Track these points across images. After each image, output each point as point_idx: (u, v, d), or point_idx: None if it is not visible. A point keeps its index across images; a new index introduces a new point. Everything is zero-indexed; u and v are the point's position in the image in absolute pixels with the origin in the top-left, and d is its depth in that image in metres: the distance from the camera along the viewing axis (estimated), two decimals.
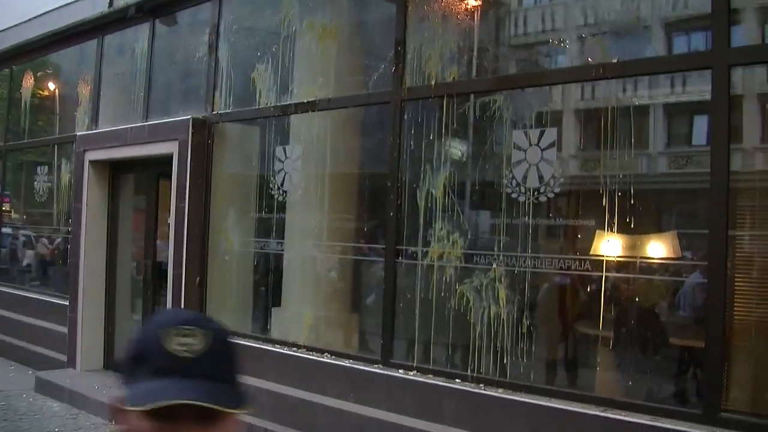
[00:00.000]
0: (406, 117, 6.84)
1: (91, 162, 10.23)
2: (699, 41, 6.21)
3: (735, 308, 5.20)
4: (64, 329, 10.47)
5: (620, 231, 5.82)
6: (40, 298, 11.52)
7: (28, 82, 12.79)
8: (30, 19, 12.07)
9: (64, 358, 10.40)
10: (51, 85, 12.96)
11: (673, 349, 6.51)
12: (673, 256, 6.25)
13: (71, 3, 11.21)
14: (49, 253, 12.86)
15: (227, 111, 8.59)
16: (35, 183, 12.33)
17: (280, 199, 8.00)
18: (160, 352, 1.45)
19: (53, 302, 11.10)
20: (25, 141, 12.99)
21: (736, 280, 5.17)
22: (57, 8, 11.48)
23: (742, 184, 5.33)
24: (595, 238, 6.03)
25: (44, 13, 11.77)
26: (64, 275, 11.50)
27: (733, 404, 5.06)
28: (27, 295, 11.86)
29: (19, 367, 11.19)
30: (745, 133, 5.75)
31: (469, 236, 6.52)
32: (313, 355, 7.26)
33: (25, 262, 13.57)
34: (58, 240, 12.33)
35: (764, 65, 5.40)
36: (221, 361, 1.51)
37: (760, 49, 5.25)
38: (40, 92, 12.97)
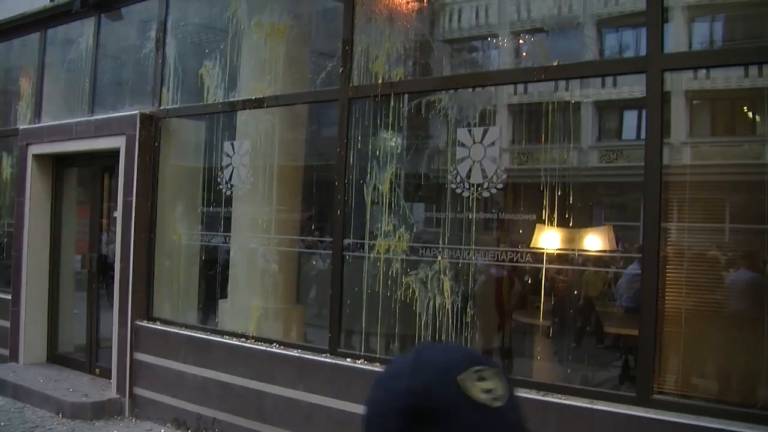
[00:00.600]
0: (353, 114, 7.01)
1: (35, 156, 10.23)
2: (630, 39, 6.54)
3: (666, 297, 5.48)
4: (5, 323, 10.46)
5: (558, 224, 6.11)
6: None
7: None
8: None
9: (5, 352, 10.39)
10: None
11: (609, 337, 6.83)
12: (608, 248, 6.57)
13: None
14: None
15: (174, 106, 8.68)
16: None
17: (228, 193, 8.11)
18: (467, 404, 1.18)
19: None
20: None
21: (667, 270, 5.44)
22: None
23: (671, 177, 5.59)
24: (535, 232, 6.32)
25: None
26: (2, 269, 11.49)
27: (665, 387, 5.33)
28: None
29: None
30: (672, 129, 6.06)
31: (414, 230, 6.74)
32: (261, 345, 7.40)
33: None
34: None
35: (694, 70, 5.68)
36: (518, 403, 1.28)
37: (692, 56, 5.56)
38: None
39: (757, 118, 6.99)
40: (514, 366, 6.89)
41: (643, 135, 8.42)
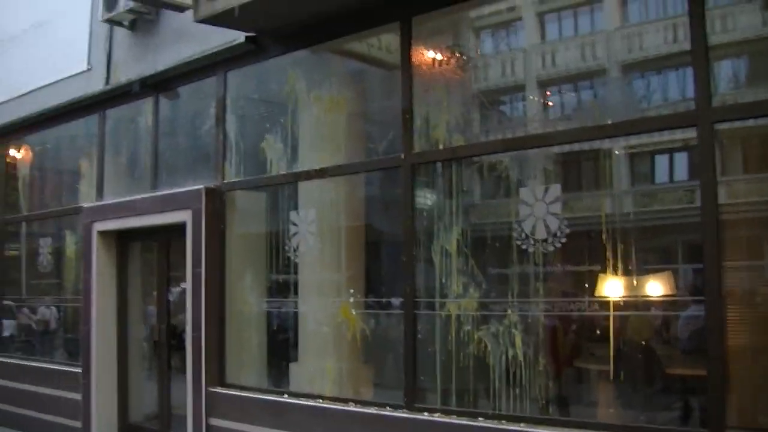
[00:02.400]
0: (416, 179, 7.36)
1: (99, 232, 10.63)
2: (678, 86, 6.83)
3: (730, 335, 5.68)
4: (75, 396, 10.78)
5: (621, 273, 6.38)
6: (49, 366, 11.78)
7: (27, 156, 13.14)
8: (22, 95, 12.50)
9: (76, 425, 10.69)
10: (51, 159, 13.30)
11: (676, 379, 7.03)
12: (669, 292, 6.83)
13: (67, 78, 11.67)
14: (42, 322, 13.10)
15: (238, 179, 9.07)
16: (39, 254, 12.62)
17: (295, 260, 8.44)
18: None
19: (60, 370, 11.40)
20: (24, 214, 13.30)
21: (729, 309, 5.66)
22: (52, 83, 11.97)
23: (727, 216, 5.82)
24: (599, 281, 6.60)
25: (37, 89, 12.21)
26: (67, 343, 11.85)
27: (737, 423, 5.54)
28: (34, 364, 12.09)
29: None
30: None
31: (483, 286, 7.03)
32: (337, 404, 7.66)
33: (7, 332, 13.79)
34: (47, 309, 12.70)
35: (744, 120, 5.94)
36: None
37: (740, 108, 5.85)
38: (40, 166, 13.30)
39: None
40: (585, 411, 7.11)
41: (676, 177, 8.67)
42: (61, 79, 11.81)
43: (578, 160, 7.80)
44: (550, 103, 7.73)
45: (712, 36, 5.71)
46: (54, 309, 12.92)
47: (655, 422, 6.18)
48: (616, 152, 7.01)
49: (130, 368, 10.81)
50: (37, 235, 13.04)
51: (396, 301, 7.66)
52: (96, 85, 11.10)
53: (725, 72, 6.35)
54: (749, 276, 6.01)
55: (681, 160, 9.04)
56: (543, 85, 7.99)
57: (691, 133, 5.82)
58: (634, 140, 7.13)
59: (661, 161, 9.42)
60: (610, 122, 6.32)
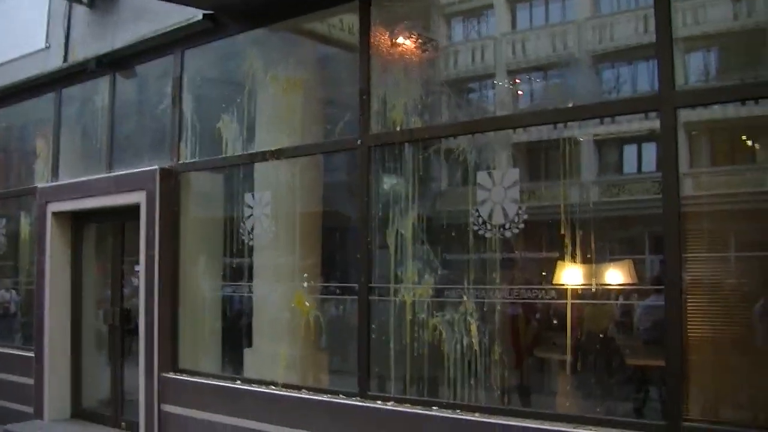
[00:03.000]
0: (373, 161, 7.20)
1: (54, 213, 10.41)
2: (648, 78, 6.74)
3: (689, 327, 5.58)
4: (28, 381, 10.56)
5: (580, 261, 6.25)
6: (3, 351, 11.54)
7: None
8: None
9: (28, 410, 10.49)
10: (7, 138, 13.03)
11: (634, 369, 6.94)
12: (629, 281, 6.72)
13: (24, 56, 11.42)
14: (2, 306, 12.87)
15: (193, 160, 8.88)
16: None
17: (250, 243, 8.26)
18: None
19: (14, 354, 11.18)
20: None
21: (689, 300, 5.56)
22: (8, 62, 11.72)
23: (689, 208, 5.71)
24: (557, 269, 6.48)
25: None
26: (24, 327, 11.63)
27: (693, 414, 5.43)
28: None
29: None
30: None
31: (438, 272, 6.89)
32: (290, 392, 7.51)
33: None
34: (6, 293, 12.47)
35: (708, 106, 5.84)
36: None
37: (704, 92, 5.74)
38: None
39: (757, 146, 7.16)
40: (542, 400, 6.99)
41: (643, 168, 8.62)
42: (19, 57, 11.57)
43: (542, 149, 7.68)
44: (510, 90, 7.59)
45: (680, 28, 5.63)
46: (13, 292, 12.67)
47: (615, 413, 6.06)
48: (581, 139, 6.86)
49: (83, 353, 10.58)
50: None
51: (352, 287, 7.50)
52: (54, 63, 10.85)
53: (693, 64, 6.25)
54: (711, 268, 5.89)
55: (648, 151, 8.98)
56: (509, 73, 7.88)
57: (655, 122, 5.69)
58: (600, 129, 7.00)
59: (629, 151, 9.36)
60: (570, 105, 6.18)
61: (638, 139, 8.73)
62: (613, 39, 7.08)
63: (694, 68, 6.35)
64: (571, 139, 6.65)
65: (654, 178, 8.39)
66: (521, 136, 7.09)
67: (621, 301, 6.99)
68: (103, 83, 10.23)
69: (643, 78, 6.72)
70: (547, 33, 7.78)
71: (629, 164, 10.29)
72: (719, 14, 6.14)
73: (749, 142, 7.17)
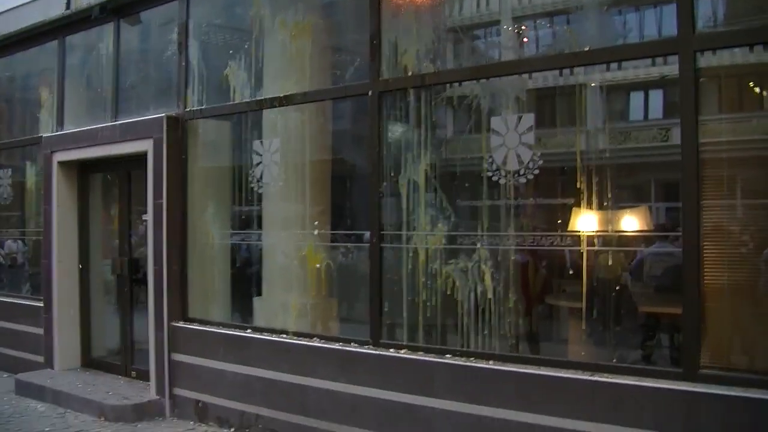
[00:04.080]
0: (384, 108, 7.09)
1: (60, 163, 10.32)
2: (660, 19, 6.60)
3: (706, 274, 5.53)
4: (37, 330, 10.57)
5: (595, 207, 6.18)
6: (12, 301, 11.54)
7: None
8: None
9: (39, 359, 10.50)
10: (10, 88, 12.91)
11: (647, 316, 6.91)
12: (645, 228, 6.65)
13: (24, 4, 11.24)
14: (10, 256, 12.85)
15: (200, 108, 8.76)
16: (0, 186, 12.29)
17: (259, 191, 8.20)
18: None
19: (23, 304, 11.17)
20: None
21: (705, 247, 5.49)
22: (10, 9, 11.52)
23: (707, 155, 5.63)
24: (572, 215, 6.40)
25: None
26: (33, 277, 11.61)
27: (710, 362, 5.40)
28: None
29: None
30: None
31: (452, 220, 6.82)
32: (301, 340, 7.49)
33: None
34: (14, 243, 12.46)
35: (727, 49, 5.71)
36: None
37: (724, 35, 5.62)
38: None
39: (765, 93, 7.06)
40: (556, 348, 6.98)
41: (650, 116, 8.51)
42: (21, 5, 11.35)
43: (553, 95, 7.56)
44: (524, 36, 7.44)
45: None
46: (20, 242, 12.64)
47: (627, 361, 6.03)
48: (592, 85, 6.73)
49: (92, 303, 10.58)
50: None
51: (363, 234, 7.44)
52: (56, 10, 10.65)
53: (705, 10, 6.09)
54: (725, 215, 5.82)
55: (657, 97, 8.88)
56: (518, 18, 7.71)
57: (671, 69, 5.59)
58: (611, 75, 6.87)
59: (636, 98, 9.26)
60: (587, 49, 6.05)
61: (651, 85, 8.59)
62: None
63: (708, 12, 6.20)
64: (586, 85, 6.56)
65: (662, 126, 8.31)
66: (537, 81, 6.97)
67: (637, 248, 6.91)
68: (107, 30, 10.08)
69: (657, 25, 6.63)
70: None
71: (648, 111, 10.18)
72: None
73: (757, 89, 7.08)
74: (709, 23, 5.89)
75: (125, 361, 9.89)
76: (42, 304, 10.55)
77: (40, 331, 10.55)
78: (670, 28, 5.61)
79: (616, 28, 7.13)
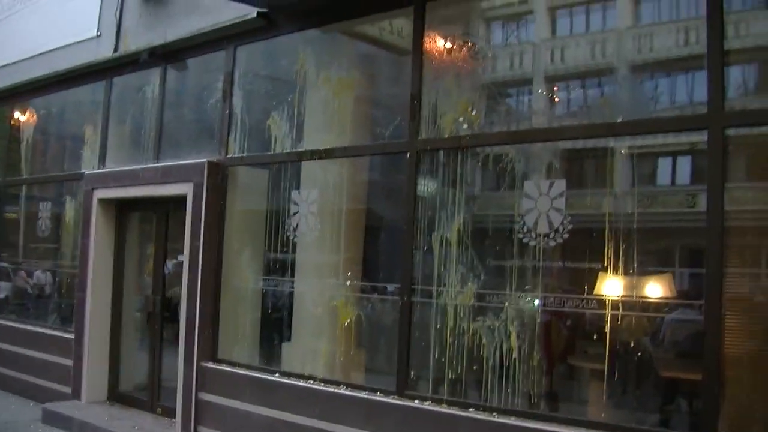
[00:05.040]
0: (421, 166, 7.35)
1: (100, 200, 10.62)
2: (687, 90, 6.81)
3: (727, 342, 5.67)
4: (66, 361, 10.79)
5: (621, 272, 6.35)
6: (42, 331, 11.76)
7: (31, 119, 13.08)
8: (31, 57, 12.45)
9: (66, 390, 10.72)
10: (55, 124, 13.27)
11: (669, 382, 7.03)
12: (669, 295, 6.81)
13: (75, 43, 11.60)
14: (38, 286, 13.12)
15: (241, 155, 9.05)
16: (39, 218, 12.60)
17: (294, 239, 8.45)
18: None
19: (53, 335, 11.39)
20: (24, 177, 13.26)
21: (727, 315, 5.63)
22: (60, 47, 11.90)
23: (733, 222, 5.78)
24: (598, 279, 6.58)
25: (45, 52, 12.15)
26: (61, 308, 11.87)
27: (728, 429, 5.51)
28: (27, 328, 12.09)
29: (18, 399, 11.50)
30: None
31: (481, 278, 7.01)
32: (329, 387, 7.67)
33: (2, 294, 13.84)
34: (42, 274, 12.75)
35: (756, 127, 5.91)
36: None
37: (753, 113, 5.83)
38: (45, 130, 13.25)
39: None
40: (577, 408, 7.11)
41: (679, 181, 8.65)
42: (70, 44, 11.74)
43: (582, 157, 7.76)
44: (557, 99, 7.69)
45: (727, 41, 5.66)
46: (49, 274, 12.91)
47: (646, 423, 6.16)
48: (622, 152, 6.95)
49: (122, 337, 10.81)
50: (37, 199, 13.01)
51: (392, 287, 7.65)
52: (104, 51, 11.04)
53: (735, 78, 6.29)
54: (748, 283, 5.98)
55: (685, 163, 9.02)
56: (551, 80, 7.96)
57: (700, 137, 5.80)
58: (641, 141, 7.06)
59: (664, 164, 9.40)
60: (620, 120, 6.28)
61: (678, 153, 8.75)
62: (654, 49, 7.14)
63: (738, 82, 6.39)
64: (614, 150, 6.79)
65: (690, 191, 8.45)
66: (566, 143, 7.16)
67: (660, 314, 7.05)
68: (153, 74, 10.41)
69: (686, 91, 6.82)
70: (588, 40, 7.84)
71: (673, 176, 10.30)
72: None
73: None
74: (740, 91, 6.10)
75: (152, 398, 10.08)
76: (72, 336, 10.79)
77: (69, 362, 10.76)
78: (701, 94, 5.81)
79: (646, 94, 7.31)
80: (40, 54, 12.22)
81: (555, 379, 7.17)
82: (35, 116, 13.07)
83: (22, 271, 13.43)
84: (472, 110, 7.24)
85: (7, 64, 13.01)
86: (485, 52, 7.87)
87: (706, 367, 5.51)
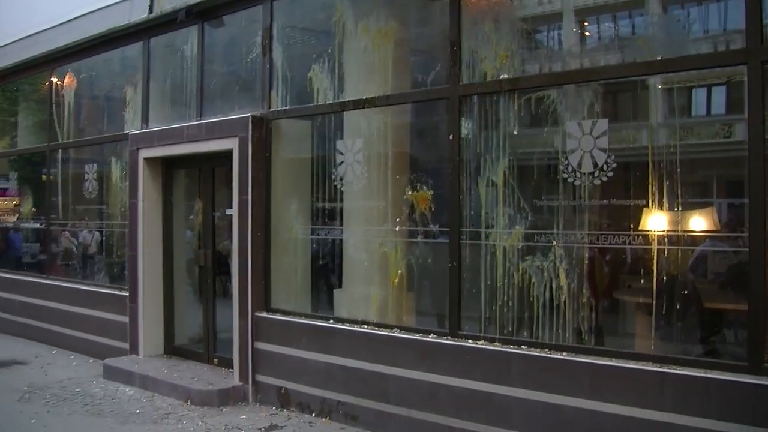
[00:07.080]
0: (464, 111, 7.47)
1: (146, 159, 10.85)
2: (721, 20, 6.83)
3: None
4: (122, 318, 11.14)
5: (664, 207, 6.45)
6: (95, 290, 12.14)
7: (71, 83, 13.28)
8: (63, 23, 12.60)
9: (124, 345, 11.07)
10: (96, 87, 13.48)
11: (719, 312, 7.16)
12: (712, 228, 6.92)
13: (109, 6, 11.70)
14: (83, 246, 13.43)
15: (284, 108, 9.21)
16: (85, 180, 12.88)
17: (341, 188, 8.65)
18: None
19: (108, 293, 11.75)
20: (71, 141, 13.50)
21: None
22: (93, 11, 12.01)
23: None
24: (643, 215, 6.68)
25: (78, 17, 12.27)
26: (109, 267, 12.18)
27: None
28: (80, 287, 12.49)
29: (77, 356, 11.91)
30: None
31: (528, 218, 7.15)
32: (382, 330, 7.89)
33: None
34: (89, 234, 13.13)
35: None
36: None
37: None
38: (85, 93, 13.47)
39: None
40: (627, 342, 7.26)
41: (713, 111, 8.63)
42: (104, 7, 11.82)
43: (619, 91, 7.81)
44: (597, 35, 7.75)
45: None
46: (96, 233, 13.19)
47: (692, 354, 6.31)
48: (659, 86, 7.02)
49: (175, 292, 11.13)
50: (82, 161, 13.22)
51: (442, 231, 7.79)
52: (139, 12, 11.13)
53: None
54: None
55: (720, 93, 9.01)
56: (580, 14, 8.00)
57: (738, 70, 5.87)
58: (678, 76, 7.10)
59: (699, 94, 9.38)
60: (659, 58, 6.33)
61: (716, 84, 8.73)
62: None
63: None
64: (650, 84, 6.87)
65: (726, 121, 8.46)
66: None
67: (703, 246, 7.14)
68: (191, 32, 10.54)
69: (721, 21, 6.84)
70: None
71: (708, 107, 10.27)
72: None
73: None
74: None
75: (207, 349, 10.39)
76: (126, 293, 11.11)
77: (124, 318, 11.12)
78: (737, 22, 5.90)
79: (683, 25, 7.28)
80: (76, 18, 12.31)
81: (603, 315, 7.30)
82: (76, 80, 13.21)
83: (66, 232, 13.71)
84: (511, 53, 7.30)
85: (42, 30, 13.15)
86: None
87: (751, 297, 5.65)
